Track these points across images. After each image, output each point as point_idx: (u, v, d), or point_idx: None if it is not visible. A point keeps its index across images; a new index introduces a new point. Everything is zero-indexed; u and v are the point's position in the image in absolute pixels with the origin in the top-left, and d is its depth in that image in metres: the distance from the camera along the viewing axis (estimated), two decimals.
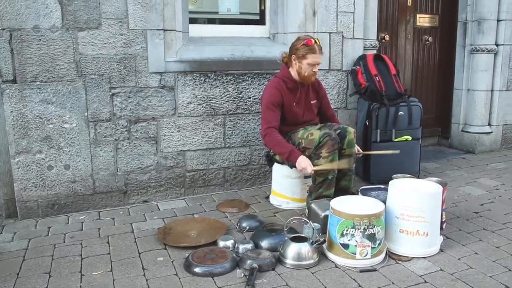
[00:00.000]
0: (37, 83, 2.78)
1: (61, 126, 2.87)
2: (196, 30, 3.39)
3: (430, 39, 4.39)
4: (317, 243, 2.27)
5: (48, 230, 2.76)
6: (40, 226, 2.82)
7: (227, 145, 3.35)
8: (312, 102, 3.05)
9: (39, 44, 2.74)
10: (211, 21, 3.70)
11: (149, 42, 2.98)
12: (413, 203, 2.31)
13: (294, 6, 3.42)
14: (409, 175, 2.87)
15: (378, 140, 3.39)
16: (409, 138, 3.44)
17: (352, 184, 2.89)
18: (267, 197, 3.22)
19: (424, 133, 4.55)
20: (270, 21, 3.60)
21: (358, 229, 2.20)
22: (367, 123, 3.43)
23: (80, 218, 2.93)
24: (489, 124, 4.41)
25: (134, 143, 3.07)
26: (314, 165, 2.69)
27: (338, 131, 2.84)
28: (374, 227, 2.22)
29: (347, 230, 2.22)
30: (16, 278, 2.18)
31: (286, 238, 2.32)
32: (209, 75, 3.20)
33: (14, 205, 2.91)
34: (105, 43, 2.88)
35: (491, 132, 4.40)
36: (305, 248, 2.26)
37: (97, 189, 3.04)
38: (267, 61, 3.35)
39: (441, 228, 2.61)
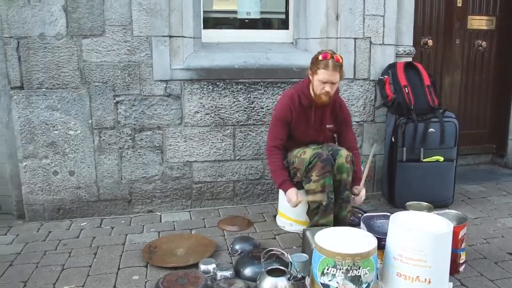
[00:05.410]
0: (43, 89, 2.81)
1: (66, 133, 2.89)
2: (213, 35, 3.25)
3: (484, 44, 3.84)
4: (294, 279, 2.03)
5: (48, 235, 2.79)
6: (42, 230, 2.86)
7: (237, 158, 3.18)
8: (328, 126, 2.70)
9: (45, 52, 2.77)
10: (240, 26, 3.53)
11: (154, 49, 2.89)
12: (413, 243, 1.97)
13: (316, 9, 3.14)
14: (425, 204, 2.51)
15: (404, 159, 3.01)
16: (441, 158, 3.00)
17: (344, 213, 2.56)
18: (275, 216, 3.00)
19: (476, 150, 4.07)
20: (293, 25, 3.36)
21: (340, 269, 1.92)
22: (393, 140, 3.07)
23: (82, 224, 2.94)
24: None
25: (138, 152, 3.02)
26: (305, 188, 2.46)
27: (331, 152, 2.53)
28: (359, 268, 1.92)
29: (327, 269, 1.95)
30: None
31: (263, 270, 2.11)
32: (217, 83, 3.04)
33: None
34: (109, 50, 2.84)
35: None
36: (281, 283, 2.02)
37: (102, 196, 3.02)
38: (283, 70, 3.11)
39: (457, 271, 2.24)
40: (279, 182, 2.63)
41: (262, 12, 3.48)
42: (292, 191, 2.54)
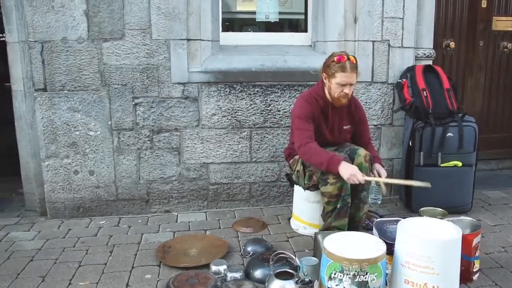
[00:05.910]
0: (65, 91, 2.91)
1: (86, 134, 2.98)
2: (232, 38, 3.28)
3: (509, 45, 3.72)
4: (302, 283, 2.03)
5: (67, 232, 2.88)
6: (62, 228, 2.96)
7: (254, 160, 3.19)
8: (345, 127, 2.68)
9: (67, 55, 2.87)
10: (259, 28, 3.55)
11: (172, 52, 2.95)
12: (419, 250, 1.93)
13: (334, 11, 3.13)
14: (439, 209, 2.47)
15: (422, 163, 2.97)
16: (459, 163, 2.94)
17: (360, 214, 2.53)
18: (289, 219, 3.01)
19: (499, 154, 3.97)
20: (312, 28, 3.35)
21: (347, 274, 1.91)
22: (411, 144, 3.02)
23: (101, 223, 3.02)
24: None
25: (156, 153, 3.08)
26: (321, 191, 2.44)
27: (348, 152, 2.51)
28: (366, 274, 1.91)
29: (335, 274, 1.94)
30: (15, 278, 2.31)
31: (271, 273, 2.12)
32: (234, 86, 3.07)
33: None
34: (128, 54, 2.91)
35: None
36: (289, 286, 2.04)
37: (120, 195, 3.10)
38: (300, 72, 3.11)
39: (470, 279, 2.20)
40: (325, 160, 2.38)
41: (280, 13, 3.48)
42: (350, 165, 2.37)
